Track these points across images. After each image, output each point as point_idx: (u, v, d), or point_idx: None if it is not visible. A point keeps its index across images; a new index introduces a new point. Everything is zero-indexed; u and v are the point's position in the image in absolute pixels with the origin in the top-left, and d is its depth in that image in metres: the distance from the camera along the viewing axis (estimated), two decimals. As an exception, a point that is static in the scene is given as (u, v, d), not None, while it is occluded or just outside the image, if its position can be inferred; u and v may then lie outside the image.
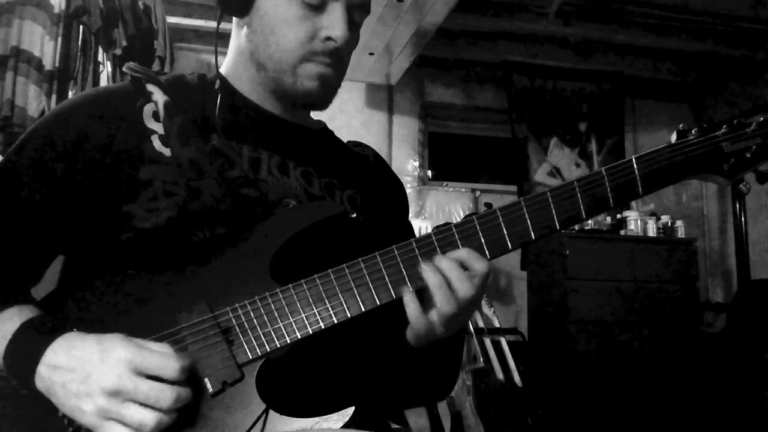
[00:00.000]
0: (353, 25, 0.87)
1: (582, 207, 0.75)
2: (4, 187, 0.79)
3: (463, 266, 0.74)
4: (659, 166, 0.75)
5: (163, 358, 0.66)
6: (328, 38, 0.83)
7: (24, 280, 0.82)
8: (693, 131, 0.74)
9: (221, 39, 0.92)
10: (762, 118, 0.73)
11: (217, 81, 0.90)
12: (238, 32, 0.91)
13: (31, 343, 0.69)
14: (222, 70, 0.94)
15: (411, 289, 0.74)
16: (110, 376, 0.64)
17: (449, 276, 0.73)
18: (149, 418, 0.64)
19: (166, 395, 0.65)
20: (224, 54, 0.95)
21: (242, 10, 0.87)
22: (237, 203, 0.81)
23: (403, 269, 0.74)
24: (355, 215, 0.88)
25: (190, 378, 0.69)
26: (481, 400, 3.03)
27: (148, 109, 0.84)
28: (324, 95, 0.89)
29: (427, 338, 0.77)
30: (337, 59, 0.86)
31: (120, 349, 0.65)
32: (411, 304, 0.74)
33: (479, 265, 0.74)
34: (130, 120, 0.82)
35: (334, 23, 0.83)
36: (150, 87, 0.86)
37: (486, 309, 3.39)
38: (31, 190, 0.78)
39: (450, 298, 0.73)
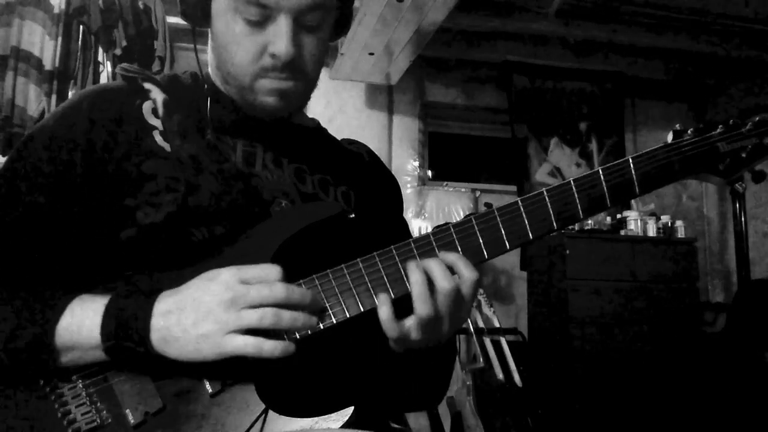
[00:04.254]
0: (308, 30, 0.83)
1: (579, 207, 0.75)
2: (13, 190, 0.79)
3: (452, 270, 0.73)
4: (655, 166, 0.75)
5: (262, 267, 0.70)
6: (274, 54, 0.80)
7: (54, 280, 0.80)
8: (689, 131, 0.75)
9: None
10: (757, 118, 0.73)
11: (205, 85, 0.90)
12: (210, 40, 0.89)
13: (136, 303, 0.69)
14: (209, 69, 0.94)
15: (390, 294, 0.73)
16: (221, 290, 0.68)
17: (432, 271, 0.72)
18: (268, 311, 0.67)
19: (277, 287, 0.69)
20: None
21: (202, 22, 0.86)
22: (234, 199, 0.81)
23: (401, 269, 0.74)
24: (352, 215, 0.89)
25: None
26: (481, 400, 3.03)
27: (146, 106, 0.85)
28: (286, 108, 0.87)
29: (404, 344, 0.75)
30: (293, 70, 0.83)
31: (223, 273, 0.69)
32: (383, 307, 0.72)
33: (467, 271, 0.72)
34: (132, 116, 0.83)
35: (277, 39, 0.79)
36: (147, 85, 0.87)
37: (486, 309, 3.39)
38: (43, 191, 0.78)
39: (427, 298, 0.71)
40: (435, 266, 0.72)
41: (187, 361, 0.68)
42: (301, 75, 0.85)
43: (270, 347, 0.67)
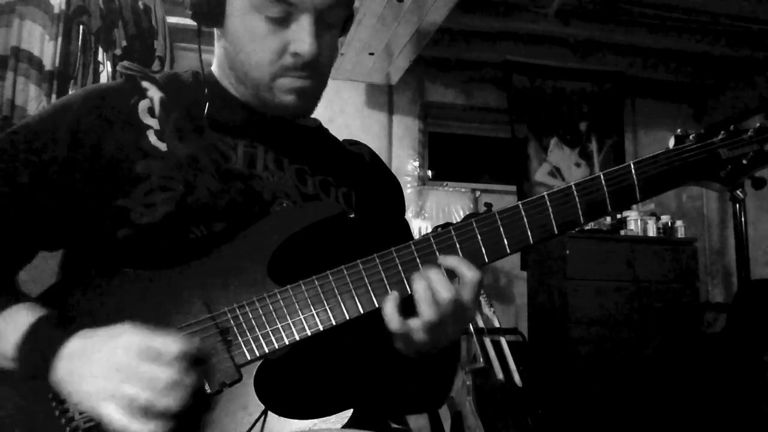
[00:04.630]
0: (327, 28, 0.83)
1: (580, 212, 0.75)
2: None
3: (454, 274, 0.73)
4: (657, 172, 0.75)
5: (166, 340, 0.65)
6: (296, 53, 0.80)
7: (10, 275, 0.81)
8: (691, 137, 0.75)
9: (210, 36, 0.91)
10: (759, 125, 0.73)
11: (206, 87, 0.90)
12: (219, 39, 0.89)
13: (51, 335, 0.69)
14: (213, 68, 0.94)
15: (394, 295, 0.73)
16: (113, 356, 0.65)
17: (433, 282, 0.72)
18: (142, 395, 0.62)
19: (164, 374, 0.63)
20: (211, 52, 0.94)
21: (215, 22, 0.85)
22: (233, 199, 0.81)
23: (401, 272, 0.74)
24: (352, 215, 0.88)
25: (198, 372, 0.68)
26: (481, 400, 3.03)
27: (143, 105, 0.84)
28: (303, 106, 0.88)
29: (410, 345, 0.76)
30: (313, 69, 0.83)
31: (127, 334, 0.66)
32: (389, 308, 0.73)
33: (469, 273, 0.72)
34: (126, 115, 0.83)
35: (300, 37, 0.79)
36: (145, 84, 0.86)
37: (486, 309, 3.39)
38: (21, 186, 0.78)
39: (432, 304, 0.71)
40: (436, 277, 0.72)
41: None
42: (318, 74, 0.85)
43: None
